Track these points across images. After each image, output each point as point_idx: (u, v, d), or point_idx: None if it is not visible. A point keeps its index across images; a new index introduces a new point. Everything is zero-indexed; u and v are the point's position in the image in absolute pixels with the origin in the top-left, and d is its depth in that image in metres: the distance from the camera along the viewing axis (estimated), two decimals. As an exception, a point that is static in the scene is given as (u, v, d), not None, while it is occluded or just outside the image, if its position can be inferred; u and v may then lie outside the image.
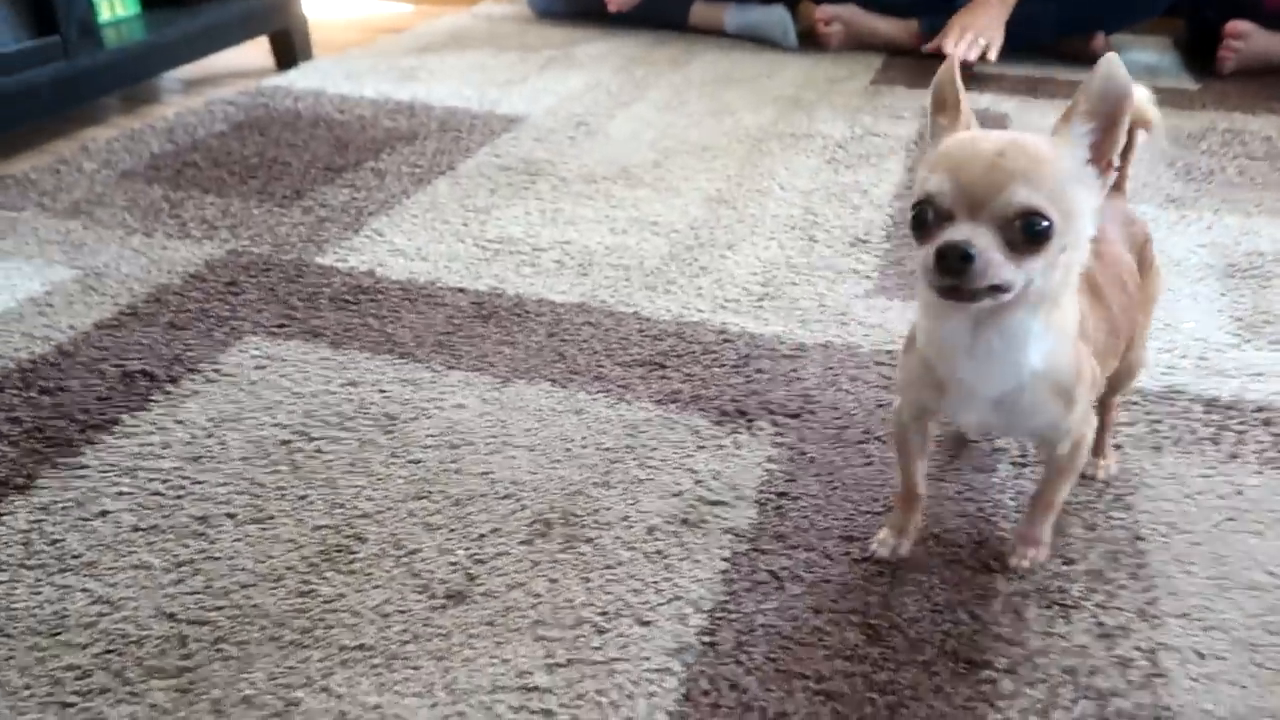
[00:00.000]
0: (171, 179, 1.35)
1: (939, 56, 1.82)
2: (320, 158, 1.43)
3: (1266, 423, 0.85)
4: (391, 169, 1.39)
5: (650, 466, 0.79)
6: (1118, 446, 0.82)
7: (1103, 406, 0.74)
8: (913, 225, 0.54)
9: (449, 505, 0.75)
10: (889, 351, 0.95)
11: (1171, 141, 1.53)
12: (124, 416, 0.84)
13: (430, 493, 0.76)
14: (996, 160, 0.51)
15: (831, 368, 0.93)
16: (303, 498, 0.75)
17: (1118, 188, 0.71)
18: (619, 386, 0.90)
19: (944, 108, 0.57)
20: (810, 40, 2.09)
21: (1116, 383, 0.72)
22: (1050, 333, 0.56)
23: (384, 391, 0.89)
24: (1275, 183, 1.37)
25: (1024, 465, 0.80)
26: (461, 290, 1.07)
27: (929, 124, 0.58)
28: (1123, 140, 0.54)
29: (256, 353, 0.94)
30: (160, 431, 0.82)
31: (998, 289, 0.51)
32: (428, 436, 0.83)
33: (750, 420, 0.85)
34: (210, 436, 0.82)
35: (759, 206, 1.29)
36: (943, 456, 0.81)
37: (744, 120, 1.62)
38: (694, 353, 0.95)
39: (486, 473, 0.78)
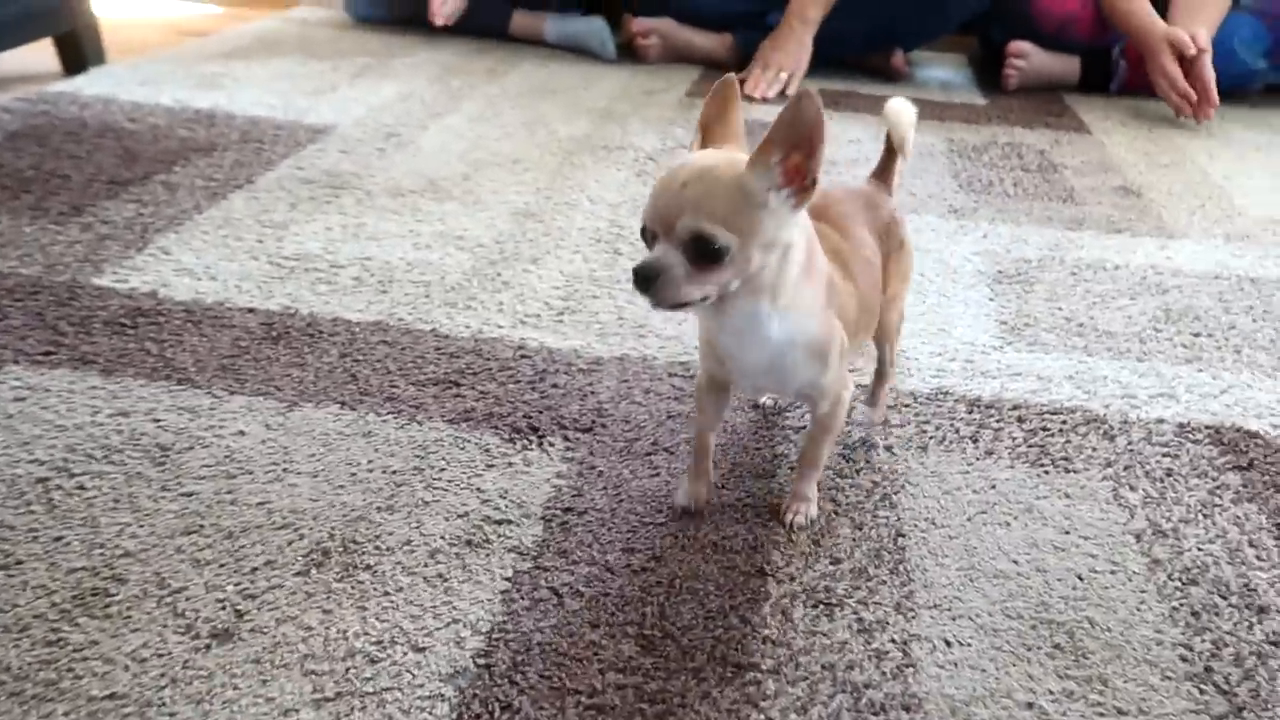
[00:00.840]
0: (-70, 194, 1.24)
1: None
2: (105, 170, 1.35)
3: (1020, 419, 0.92)
4: (184, 183, 1.33)
5: (437, 488, 0.78)
6: (888, 448, 0.87)
7: (880, 364, 0.88)
8: (644, 241, 0.63)
9: (221, 539, 0.72)
10: (683, 363, 0.98)
11: (957, 155, 1.63)
12: None
13: (202, 526, 0.73)
14: (680, 190, 0.60)
15: (626, 380, 0.95)
16: (58, 539, 0.71)
17: (884, 182, 0.82)
18: (411, 407, 0.89)
19: (714, 125, 0.66)
20: (629, 52, 2.12)
21: (883, 339, 0.85)
22: (787, 314, 0.65)
23: (158, 421, 0.84)
24: (1044, 193, 1.49)
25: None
26: (251, 310, 1.03)
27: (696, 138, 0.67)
28: (820, 161, 0.60)
29: (16, 383, 0.88)
30: (-105, 474, 0.76)
31: (686, 303, 0.61)
32: (203, 467, 0.79)
33: (542, 436, 0.86)
34: (-46, 478, 0.76)
35: (566, 220, 1.30)
36: (725, 465, 0.83)
37: (557, 132, 1.63)
38: (490, 370, 0.95)
39: (264, 502, 0.76)
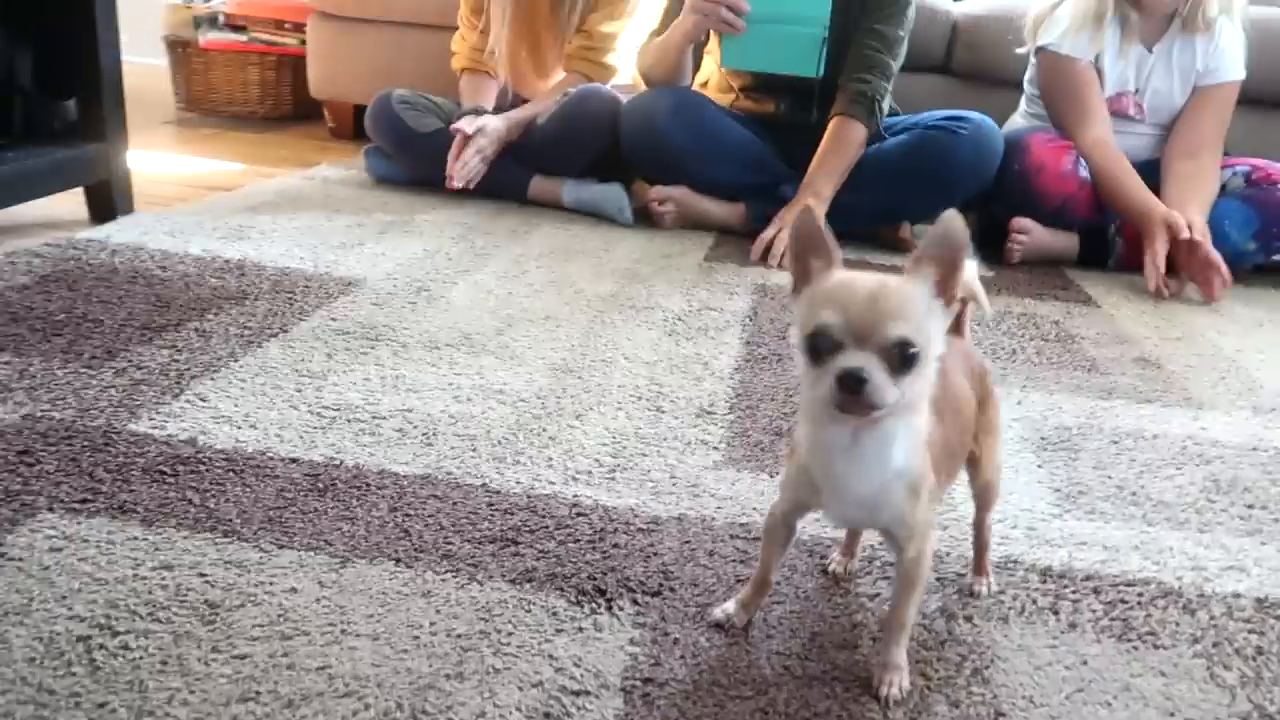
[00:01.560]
0: (-41, 335, 1.22)
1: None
2: (137, 316, 1.34)
3: (1096, 591, 0.89)
4: (218, 330, 1.32)
5: (507, 654, 0.74)
6: (968, 618, 0.83)
7: (977, 527, 0.88)
8: (808, 351, 0.64)
9: (280, 707, 0.66)
10: (743, 524, 0.95)
11: (976, 324, 1.67)
12: (-122, 612, 0.71)
13: (258, 693, 0.67)
14: (873, 300, 0.63)
15: (688, 541, 0.91)
16: (102, 705, 0.65)
17: (958, 330, 0.82)
18: (469, 565, 0.85)
19: (811, 252, 0.67)
20: (645, 218, 2.18)
21: (981, 501, 0.86)
22: (909, 435, 0.67)
23: (204, 575, 0.80)
24: (1067, 363, 1.51)
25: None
26: (294, 461, 1.00)
27: (793, 268, 0.68)
28: (962, 278, 0.64)
29: (52, 533, 0.83)
30: (-76, 630, 0.70)
31: (883, 406, 0.63)
32: (255, 626, 0.74)
33: (610, 599, 0.82)
34: (-12, 634, 0.70)
35: (604, 376, 1.29)
36: (804, 634, 0.79)
37: (584, 291, 1.65)
38: (547, 528, 0.92)
39: (324, 667, 0.70)
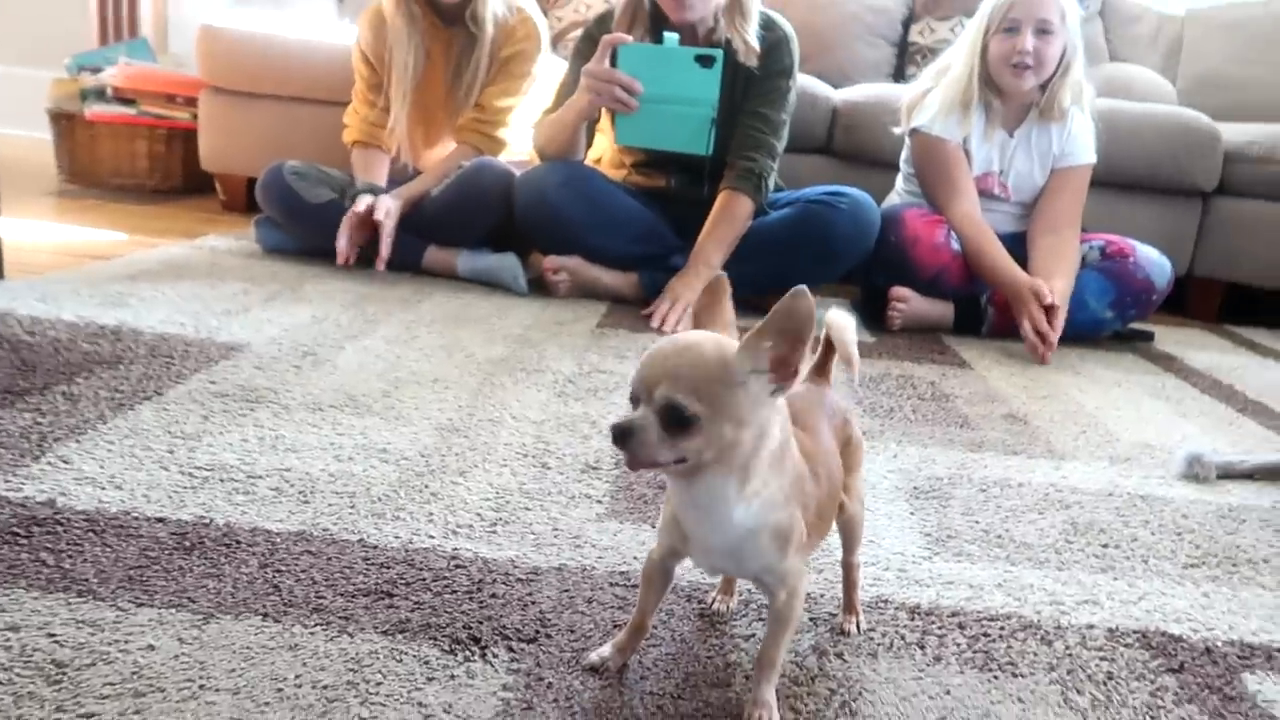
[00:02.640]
0: None
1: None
2: (-1, 380, 1.28)
3: (960, 626, 0.92)
4: (87, 394, 1.27)
5: (374, 703, 0.72)
6: (839, 655, 0.85)
7: (846, 568, 0.90)
8: (631, 405, 0.67)
9: (127, 765, 0.63)
10: (623, 572, 0.96)
11: (860, 384, 1.73)
12: None
13: (103, 751, 0.64)
14: (662, 361, 0.65)
15: (567, 590, 0.91)
16: (-72, 770, 0.61)
17: (823, 377, 0.86)
18: (340, 618, 0.83)
19: (708, 314, 0.72)
20: (539, 287, 2.21)
21: (848, 538, 0.88)
22: (752, 499, 0.68)
23: (53, 635, 0.76)
24: (942, 419, 1.58)
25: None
26: (161, 520, 0.96)
27: (691, 325, 0.73)
28: (805, 354, 0.65)
29: (-114, 596, 0.78)
30: None
31: (657, 463, 0.65)
32: (106, 685, 0.71)
33: (484, 647, 0.81)
34: None
35: (491, 435, 1.29)
36: (679, 675, 0.80)
37: (475, 355, 1.65)
38: (424, 580, 0.91)
39: (178, 723, 0.68)
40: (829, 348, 0.87)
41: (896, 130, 2.38)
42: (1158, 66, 3.41)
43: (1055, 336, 2.02)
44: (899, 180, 2.49)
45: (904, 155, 2.44)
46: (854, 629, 0.89)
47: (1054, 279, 2.08)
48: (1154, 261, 2.24)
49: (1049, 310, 2.02)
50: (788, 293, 0.64)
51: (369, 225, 2.14)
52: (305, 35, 2.82)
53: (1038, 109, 2.25)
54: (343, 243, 2.11)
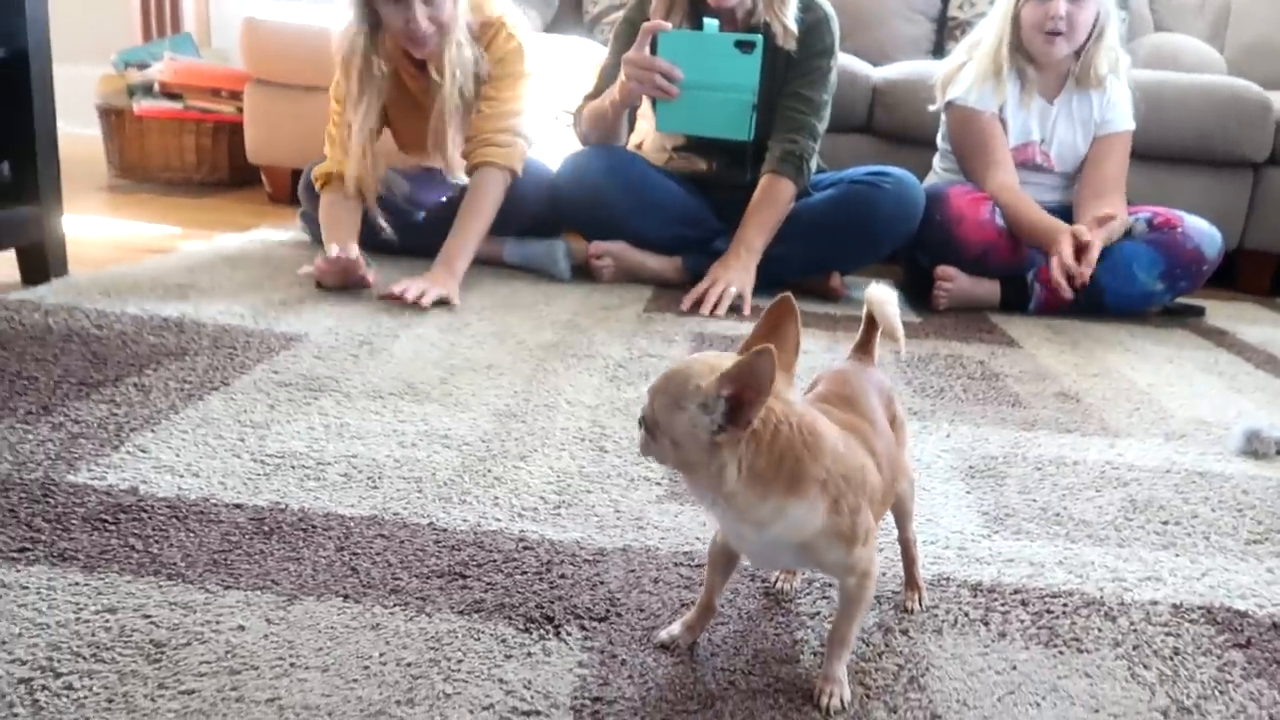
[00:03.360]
0: (-112, 394, 1.20)
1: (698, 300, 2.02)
2: (73, 373, 1.33)
3: (1023, 603, 0.93)
4: (157, 385, 1.31)
5: (457, 680, 0.75)
6: (904, 631, 0.87)
7: (903, 544, 0.91)
8: None
9: (229, 739, 0.66)
10: (686, 553, 0.98)
11: (906, 360, 1.73)
12: None
13: (206, 726, 0.67)
14: (656, 380, 0.71)
15: (633, 570, 0.94)
16: (46, 744, 0.64)
17: (867, 354, 0.88)
18: (417, 599, 0.86)
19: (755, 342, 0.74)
20: (583, 273, 2.23)
21: (899, 514, 0.89)
22: (765, 525, 0.70)
23: (148, 617, 0.79)
24: (993, 398, 1.57)
25: (824, 655, 0.82)
26: (239, 506, 1.00)
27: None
28: (757, 413, 0.66)
29: (-10, 581, 0.82)
30: None
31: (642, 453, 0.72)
32: (202, 664, 0.74)
33: (558, 626, 0.83)
34: (-74, 679, 0.69)
35: (548, 420, 1.31)
36: (748, 652, 0.82)
37: (526, 341, 1.67)
38: (494, 561, 0.93)
39: (274, 699, 0.71)
40: (871, 324, 0.87)
41: (932, 107, 2.37)
42: (1205, 35, 3.34)
43: (1086, 273, 2.01)
44: (936, 158, 2.47)
45: (940, 132, 2.42)
46: (916, 605, 0.90)
47: (1101, 213, 2.09)
48: (1203, 231, 2.21)
49: (1081, 250, 2.01)
50: (754, 351, 0.63)
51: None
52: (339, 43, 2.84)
53: (1074, 77, 2.23)
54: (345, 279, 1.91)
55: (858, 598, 0.75)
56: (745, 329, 1.89)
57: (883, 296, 0.87)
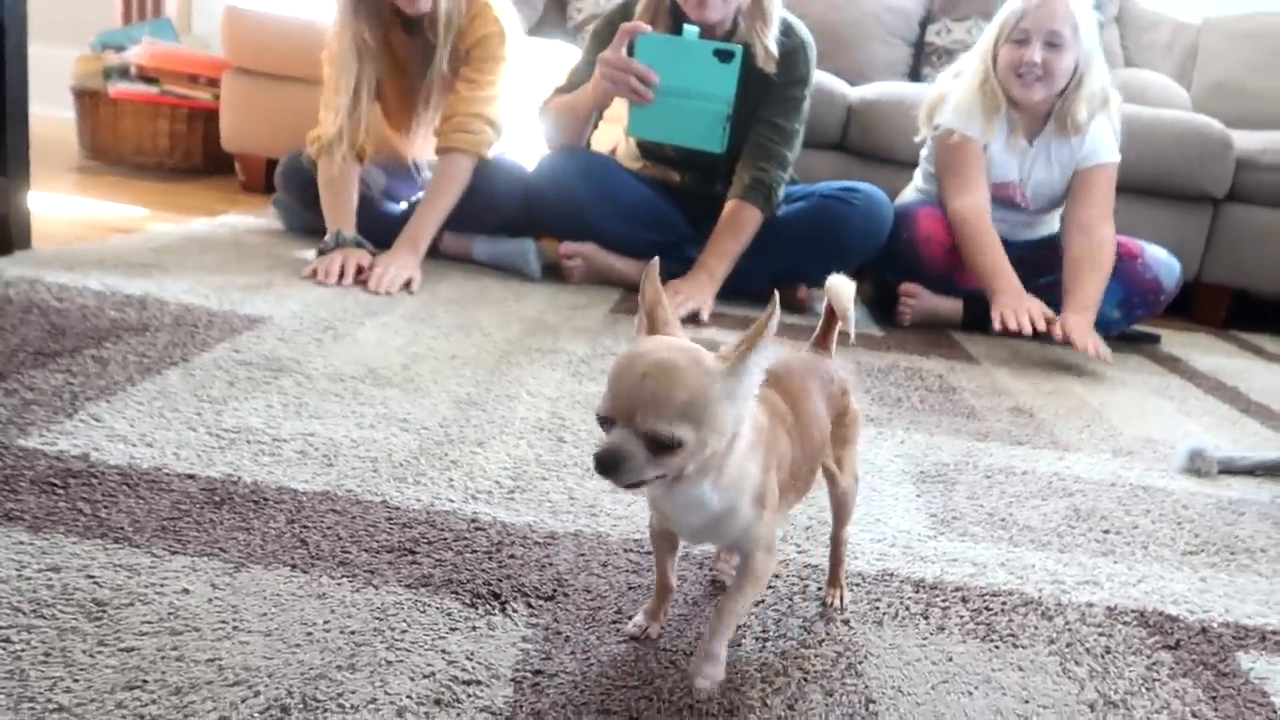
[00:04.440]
0: None
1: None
2: (30, 343, 1.32)
3: (964, 599, 0.95)
4: (116, 357, 1.31)
5: (400, 649, 0.75)
6: (845, 622, 0.88)
7: (834, 542, 0.91)
8: (601, 426, 0.66)
9: (167, 694, 0.66)
10: (637, 539, 0.99)
11: (866, 375, 1.76)
12: None
13: (145, 682, 0.67)
14: (640, 381, 0.63)
15: (583, 554, 0.94)
16: (-21, 693, 0.64)
17: (824, 347, 0.89)
18: (366, 572, 0.86)
19: (653, 313, 0.70)
20: (554, 274, 2.24)
21: (839, 512, 0.90)
22: (725, 488, 0.69)
23: (92, 577, 0.79)
24: (949, 410, 1.60)
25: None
26: (191, 477, 0.99)
27: (641, 321, 0.71)
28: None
29: (-68, 536, 0.82)
30: None
31: (644, 482, 0.65)
32: (144, 623, 0.74)
33: (504, 602, 0.84)
34: None
35: (508, 409, 1.32)
36: (691, 634, 0.83)
37: (492, 335, 1.68)
38: (445, 539, 0.94)
39: (214, 659, 0.71)
40: (831, 316, 0.89)
41: (916, 138, 2.39)
42: (1173, 73, 3.43)
43: (1099, 349, 1.98)
44: (918, 177, 2.49)
45: (924, 154, 2.44)
46: (837, 603, 0.90)
47: (1081, 288, 2.09)
48: (1162, 262, 2.26)
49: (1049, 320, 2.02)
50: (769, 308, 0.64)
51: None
52: (331, 18, 2.84)
53: (1055, 120, 2.24)
54: (334, 281, 1.91)
55: (758, 574, 0.73)
56: (709, 334, 1.91)
57: (840, 286, 0.88)
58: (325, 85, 2.12)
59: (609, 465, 0.63)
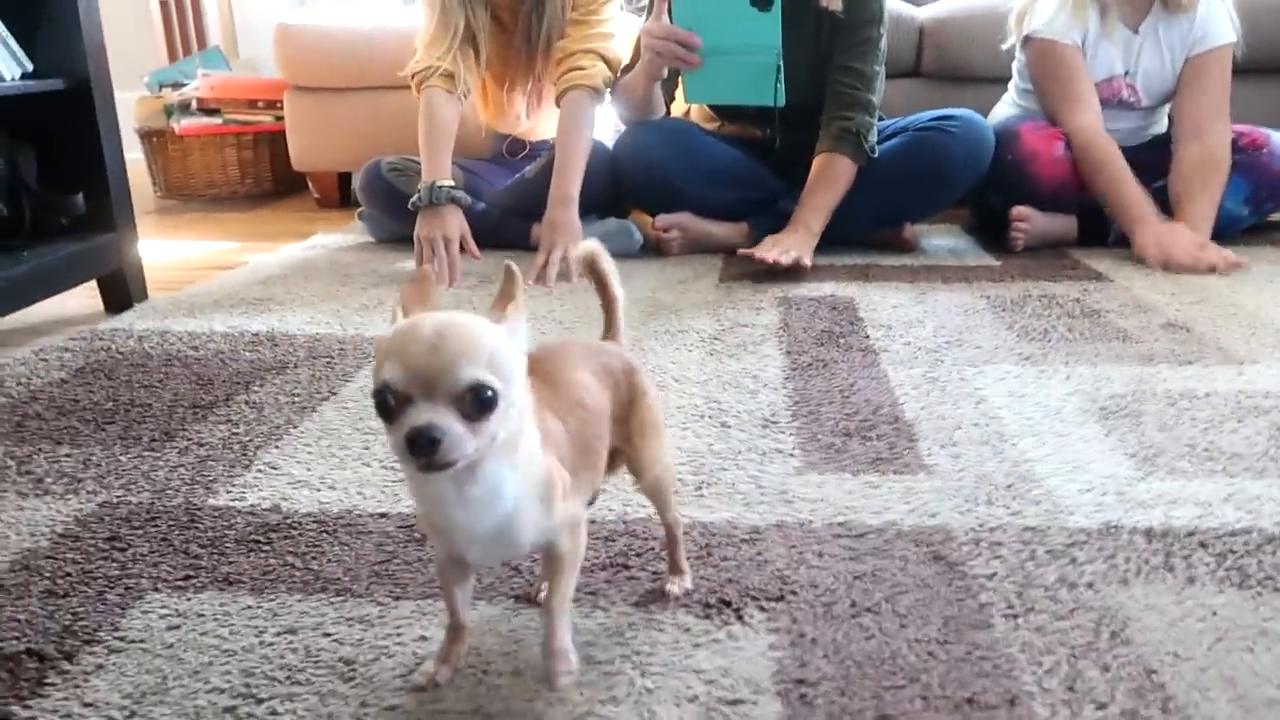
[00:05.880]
0: (11, 434, 1.20)
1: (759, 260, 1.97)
2: (183, 396, 1.33)
3: (1202, 545, 0.90)
4: (268, 400, 1.31)
5: (653, 674, 0.73)
6: (1089, 585, 0.84)
7: (666, 528, 0.84)
8: (378, 411, 0.58)
9: (447, 752, 0.65)
10: (842, 524, 0.95)
11: (1001, 309, 1.69)
12: (15, 709, 0.70)
13: (420, 742, 0.66)
14: (437, 342, 0.56)
15: (794, 546, 0.92)
16: (267, 773, 0.64)
17: (608, 329, 0.82)
18: (588, 594, 0.84)
19: (409, 311, 0.63)
20: (650, 248, 2.20)
21: (656, 501, 0.82)
22: (517, 470, 0.62)
23: (329, 634, 0.79)
24: (1100, 335, 1.53)
25: (1015, 616, 0.80)
26: (384, 515, 0.99)
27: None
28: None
29: (164, 611, 0.82)
30: (67, 721, 0.69)
31: (465, 457, 0.57)
32: (395, 678, 0.73)
33: (737, 610, 0.81)
34: (133, 716, 0.69)
35: (662, 400, 1.29)
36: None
37: (615, 323, 1.65)
38: (652, 549, 0.92)
39: (476, 709, 0.70)
40: (602, 292, 0.82)
41: (1005, 45, 2.28)
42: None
43: (1224, 260, 1.91)
44: (1012, 92, 2.35)
45: (1017, 66, 2.31)
46: (677, 590, 0.84)
47: (1194, 203, 2.00)
48: (1291, 150, 2.12)
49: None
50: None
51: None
52: (378, 23, 2.82)
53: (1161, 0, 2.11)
54: (432, 266, 1.91)
55: (572, 560, 0.68)
56: (829, 288, 1.86)
57: (595, 249, 0.80)
58: (424, 27, 2.08)
59: (433, 444, 0.55)
